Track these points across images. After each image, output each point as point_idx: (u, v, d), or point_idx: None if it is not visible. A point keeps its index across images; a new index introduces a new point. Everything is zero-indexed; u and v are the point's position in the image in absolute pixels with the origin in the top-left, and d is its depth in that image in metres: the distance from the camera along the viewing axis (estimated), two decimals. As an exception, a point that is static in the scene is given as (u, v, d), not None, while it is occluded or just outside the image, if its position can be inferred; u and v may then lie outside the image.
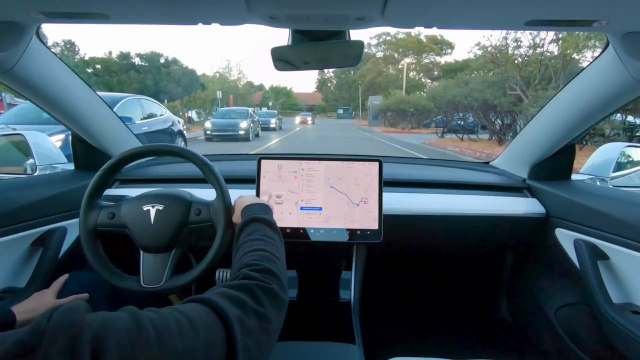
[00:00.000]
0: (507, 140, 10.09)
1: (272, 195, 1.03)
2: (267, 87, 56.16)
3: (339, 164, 1.04)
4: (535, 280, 1.24)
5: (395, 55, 40.05)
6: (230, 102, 28.29)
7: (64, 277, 0.83)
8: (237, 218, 0.77)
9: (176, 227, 0.83)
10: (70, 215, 1.03)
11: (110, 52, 40.09)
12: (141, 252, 0.84)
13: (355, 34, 0.77)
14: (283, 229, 1.02)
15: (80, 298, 0.79)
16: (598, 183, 1.29)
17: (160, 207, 0.84)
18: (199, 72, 48.33)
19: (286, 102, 51.21)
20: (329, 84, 57.15)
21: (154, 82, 34.46)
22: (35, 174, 1.30)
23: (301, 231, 1.02)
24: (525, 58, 11.34)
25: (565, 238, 1.05)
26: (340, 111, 47.63)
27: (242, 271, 0.52)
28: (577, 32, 8.60)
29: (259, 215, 0.69)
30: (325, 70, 48.23)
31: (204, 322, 0.41)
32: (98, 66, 33.06)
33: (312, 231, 1.02)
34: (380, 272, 1.47)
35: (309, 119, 32.60)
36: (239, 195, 0.84)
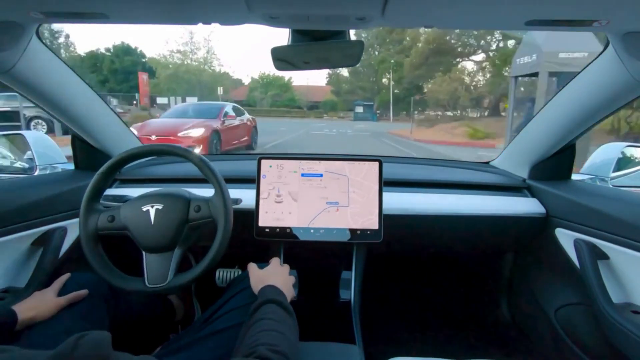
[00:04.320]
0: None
1: (272, 194, 1.03)
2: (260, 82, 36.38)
3: (339, 163, 1.04)
4: (535, 280, 1.24)
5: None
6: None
7: (65, 277, 0.84)
8: (254, 286, 0.79)
9: (177, 225, 0.83)
10: (70, 215, 1.03)
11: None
12: (143, 253, 0.84)
13: (355, 34, 0.74)
14: (282, 229, 1.02)
15: (79, 295, 0.79)
16: (598, 183, 1.29)
17: (160, 207, 0.84)
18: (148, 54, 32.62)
19: (279, 96, 33.77)
20: (339, 70, 34.58)
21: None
22: (35, 174, 1.30)
23: (301, 231, 1.02)
24: None
25: (565, 238, 1.04)
26: (360, 109, 29.18)
27: (259, 348, 0.54)
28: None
29: (278, 299, 0.70)
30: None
31: None
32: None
33: (312, 231, 1.02)
34: (380, 272, 1.47)
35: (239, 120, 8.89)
36: (254, 267, 0.85)
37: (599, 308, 0.87)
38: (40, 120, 9.24)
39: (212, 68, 29.64)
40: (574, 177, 1.20)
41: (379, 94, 30.63)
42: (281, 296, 0.73)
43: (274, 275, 0.80)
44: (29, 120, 9.10)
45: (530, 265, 1.28)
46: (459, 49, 21.44)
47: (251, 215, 1.02)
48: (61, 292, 0.79)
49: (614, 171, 1.31)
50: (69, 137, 1.19)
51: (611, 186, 1.28)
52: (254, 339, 0.58)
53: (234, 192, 0.90)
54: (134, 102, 21.19)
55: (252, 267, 0.84)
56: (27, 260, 0.95)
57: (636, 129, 7.89)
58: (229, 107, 8.21)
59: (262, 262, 0.89)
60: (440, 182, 1.22)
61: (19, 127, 8.23)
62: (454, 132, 13.49)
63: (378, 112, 30.20)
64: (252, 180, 1.04)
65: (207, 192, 0.94)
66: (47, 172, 1.30)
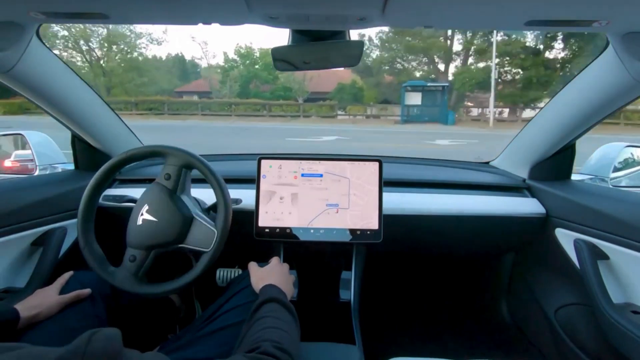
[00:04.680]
0: None
1: (272, 195, 1.03)
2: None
3: (339, 163, 1.04)
4: (535, 280, 1.24)
5: None
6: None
7: (67, 275, 0.84)
8: (255, 284, 0.79)
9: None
10: (70, 215, 1.03)
11: None
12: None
13: (355, 34, 0.76)
14: (282, 229, 1.02)
15: (81, 294, 0.79)
16: (598, 183, 1.29)
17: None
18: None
19: (269, 83, 20.05)
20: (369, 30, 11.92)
21: None
22: (35, 174, 1.30)
23: (301, 231, 1.02)
24: None
25: (565, 238, 1.05)
26: (415, 98, 13.96)
27: (263, 344, 0.55)
28: None
29: (279, 297, 0.71)
30: None
31: None
32: None
33: (312, 231, 1.02)
34: (380, 272, 1.47)
35: None
36: (255, 266, 0.85)
37: (599, 308, 0.87)
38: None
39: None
40: (574, 177, 1.20)
41: (460, 68, 13.47)
42: (282, 295, 0.73)
43: (275, 274, 0.80)
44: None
45: (530, 265, 1.28)
46: None
47: (251, 215, 1.02)
48: (63, 291, 0.79)
49: (613, 171, 1.31)
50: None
51: (611, 186, 1.28)
52: (257, 335, 0.58)
53: (234, 192, 0.90)
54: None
55: (253, 266, 0.84)
56: (27, 260, 0.95)
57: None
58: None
59: (262, 262, 0.89)
60: (440, 182, 1.22)
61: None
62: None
63: (448, 100, 14.27)
64: (252, 180, 1.04)
65: (207, 192, 0.94)
66: (47, 172, 1.30)
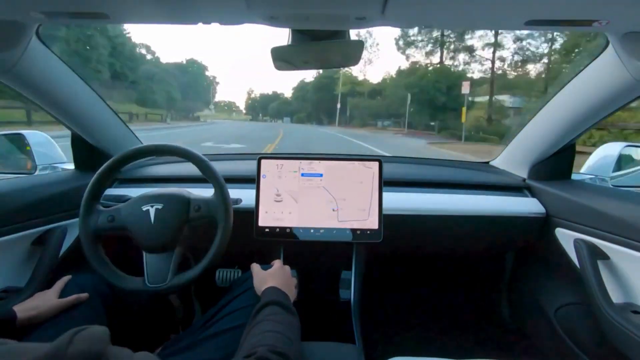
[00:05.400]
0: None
1: (272, 194, 1.03)
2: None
3: (339, 163, 1.04)
4: (535, 280, 1.24)
5: None
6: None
7: (66, 278, 0.84)
8: (257, 287, 0.79)
9: (177, 224, 0.84)
10: (70, 215, 1.03)
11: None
12: (144, 252, 0.85)
13: (355, 34, 0.77)
14: (283, 229, 1.02)
15: (80, 298, 0.79)
16: (598, 183, 1.29)
17: (160, 207, 0.84)
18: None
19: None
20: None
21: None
22: (35, 174, 1.30)
23: (301, 230, 1.02)
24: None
25: (565, 238, 1.04)
26: None
27: (259, 349, 0.54)
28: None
29: (281, 300, 0.70)
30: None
31: None
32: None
33: (312, 231, 1.02)
34: (380, 272, 1.47)
35: None
36: (257, 267, 0.85)
37: (599, 308, 0.87)
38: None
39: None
40: (574, 176, 1.20)
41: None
42: (284, 297, 0.73)
43: (277, 277, 0.80)
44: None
45: (530, 265, 1.28)
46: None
47: (251, 215, 1.02)
48: (62, 294, 0.79)
49: (614, 171, 1.31)
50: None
51: (611, 186, 1.28)
52: (254, 340, 0.58)
53: (234, 192, 0.90)
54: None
55: (256, 268, 0.84)
56: (26, 260, 0.95)
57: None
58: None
59: (262, 262, 0.89)
60: (440, 182, 1.22)
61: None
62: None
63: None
64: (252, 180, 1.04)
65: (207, 191, 0.95)
66: (47, 172, 1.30)
